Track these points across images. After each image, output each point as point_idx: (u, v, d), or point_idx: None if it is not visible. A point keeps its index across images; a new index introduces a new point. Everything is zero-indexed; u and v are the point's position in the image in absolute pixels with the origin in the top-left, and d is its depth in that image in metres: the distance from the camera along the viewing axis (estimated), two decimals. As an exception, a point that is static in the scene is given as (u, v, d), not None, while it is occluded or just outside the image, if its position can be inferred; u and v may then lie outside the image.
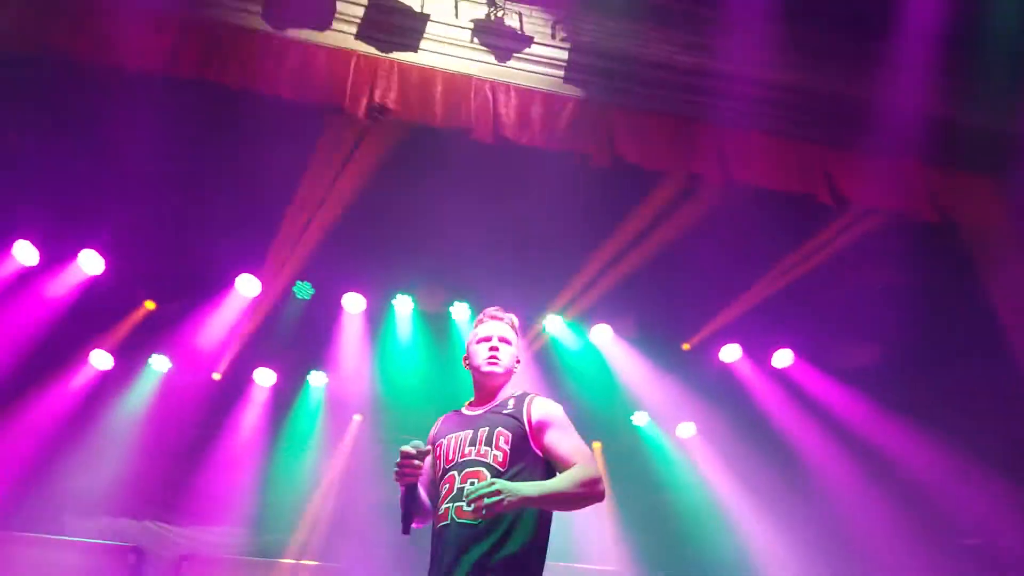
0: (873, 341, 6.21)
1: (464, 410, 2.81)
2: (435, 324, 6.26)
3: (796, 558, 6.19)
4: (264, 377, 6.42)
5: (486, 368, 2.73)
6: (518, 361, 2.84)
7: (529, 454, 2.56)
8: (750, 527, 6.49)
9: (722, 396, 6.68)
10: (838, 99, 4.84)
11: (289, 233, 5.41)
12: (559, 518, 2.58)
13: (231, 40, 4.15)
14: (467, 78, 4.51)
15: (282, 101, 4.20)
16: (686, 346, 6.40)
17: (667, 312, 6.39)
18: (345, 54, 4.34)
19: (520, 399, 2.71)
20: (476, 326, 2.87)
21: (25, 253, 5.26)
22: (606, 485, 2.53)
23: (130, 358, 5.98)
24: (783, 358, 6.62)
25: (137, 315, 5.80)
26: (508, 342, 2.80)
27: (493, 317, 2.86)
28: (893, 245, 5.19)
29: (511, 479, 2.47)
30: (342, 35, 4.38)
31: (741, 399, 6.67)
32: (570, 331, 6.52)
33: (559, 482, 2.48)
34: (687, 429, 7.06)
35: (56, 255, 5.32)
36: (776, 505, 6.43)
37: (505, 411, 2.64)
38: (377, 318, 6.23)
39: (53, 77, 4.16)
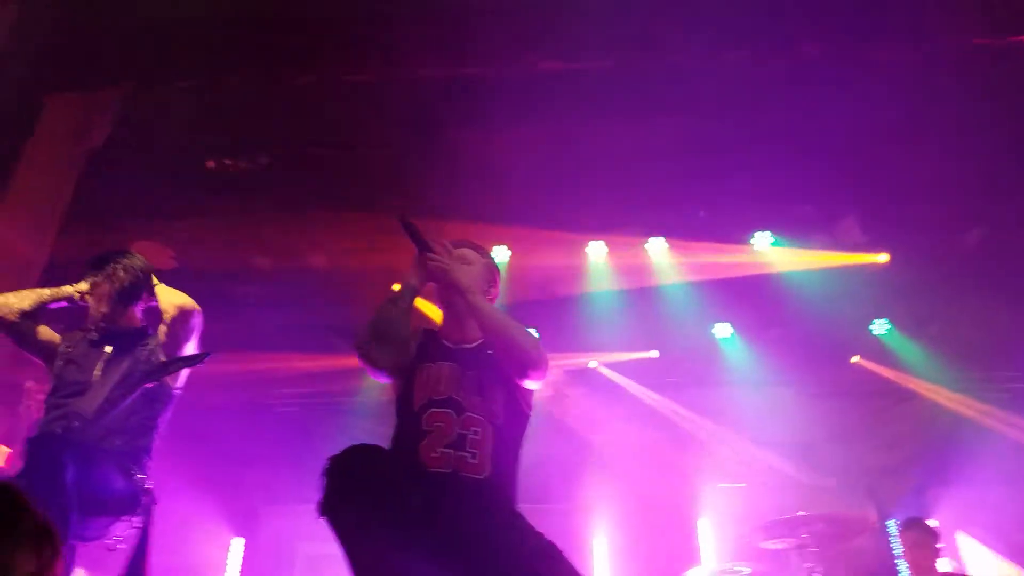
0: None
1: (441, 338, 2.61)
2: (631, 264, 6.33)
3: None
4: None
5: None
6: (486, 290, 2.65)
7: (521, 403, 2.49)
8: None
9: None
10: None
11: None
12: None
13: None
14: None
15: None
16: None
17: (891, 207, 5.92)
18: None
19: None
20: None
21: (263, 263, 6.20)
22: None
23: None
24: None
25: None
26: (469, 263, 2.63)
27: (454, 244, 2.68)
28: None
29: (507, 434, 2.42)
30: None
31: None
32: (782, 247, 6.29)
33: (514, 322, 2.45)
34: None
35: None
36: None
37: (490, 350, 2.50)
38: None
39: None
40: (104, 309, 2.98)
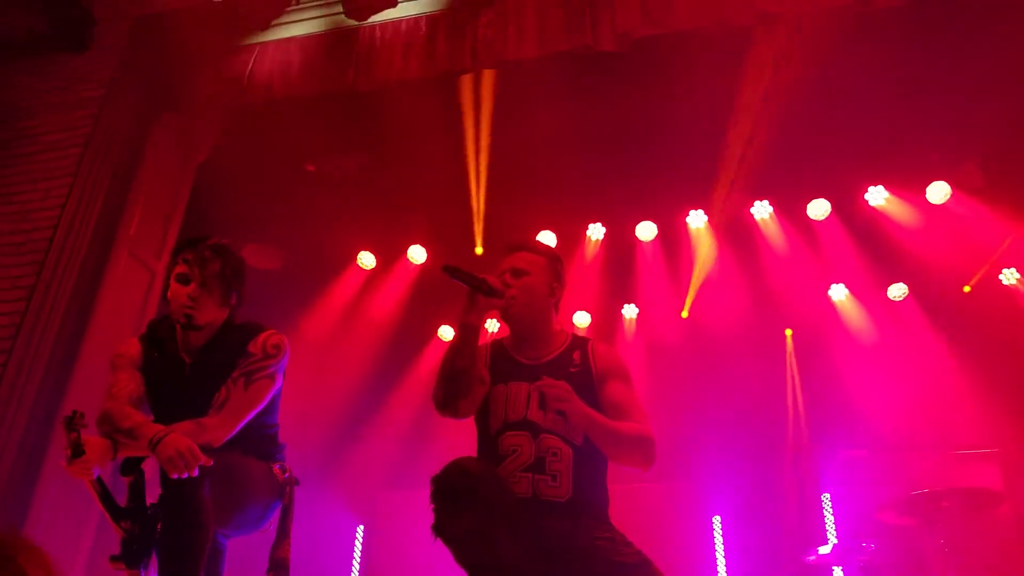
0: None
1: (514, 354, 2.63)
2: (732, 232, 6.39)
3: None
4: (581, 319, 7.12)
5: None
6: (551, 291, 2.69)
7: None
8: None
9: None
10: None
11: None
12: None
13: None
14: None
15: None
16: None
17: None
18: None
19: (584, 351, 2.62)
20: None
21: (366, 260, 6.72)
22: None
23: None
24: None
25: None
26: (526, 272, 2.64)
27: (509, 249, 2.71)
28: None
29: (587, 453, 2.44)
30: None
31: None
32: (897, 200, 6.20)
33: (621, 425, 2.39)
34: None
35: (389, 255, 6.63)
36: None
37: (573, 368, 2.56)
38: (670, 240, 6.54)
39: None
40: None
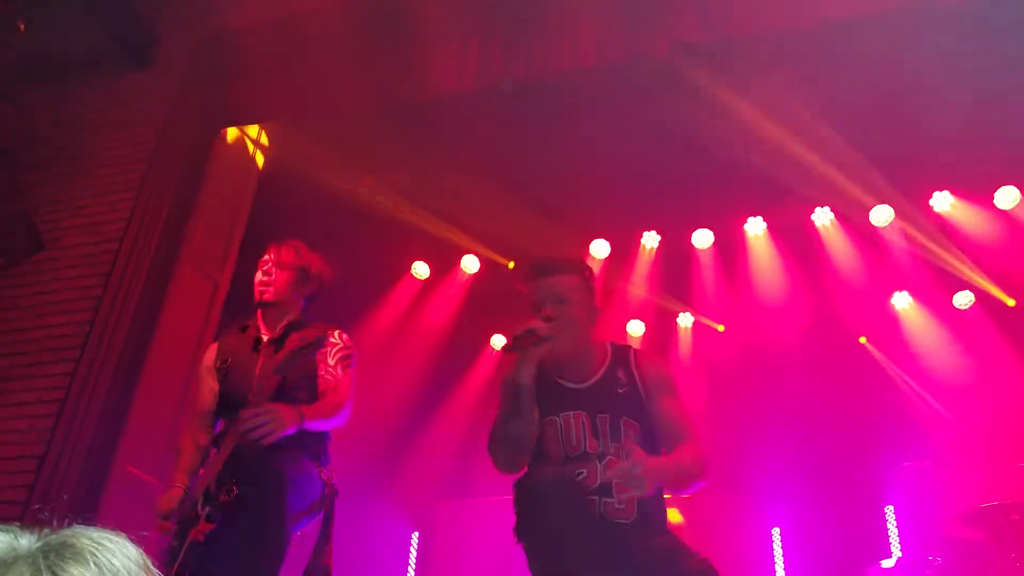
0: None
1: (557, 379, 2.56)
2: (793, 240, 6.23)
3: None
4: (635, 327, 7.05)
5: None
6: (592, 315, 2.59)
7: (654, 441, 2.48)
8: None
9: None
10: None
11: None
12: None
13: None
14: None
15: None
16: None
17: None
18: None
19: (627, 366, 2.56)
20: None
21: (421, 270, 6.79)
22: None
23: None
24: None
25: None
26: (567, 300, 2.51)
27: (540, 274, 2.57)
28: None
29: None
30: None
31: None
32: (965, 206, 5.96)
33: (682, 458, 2.37)
34: None
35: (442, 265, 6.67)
36: None
37: (620, 388, 2.51)
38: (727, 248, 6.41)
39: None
40: None
